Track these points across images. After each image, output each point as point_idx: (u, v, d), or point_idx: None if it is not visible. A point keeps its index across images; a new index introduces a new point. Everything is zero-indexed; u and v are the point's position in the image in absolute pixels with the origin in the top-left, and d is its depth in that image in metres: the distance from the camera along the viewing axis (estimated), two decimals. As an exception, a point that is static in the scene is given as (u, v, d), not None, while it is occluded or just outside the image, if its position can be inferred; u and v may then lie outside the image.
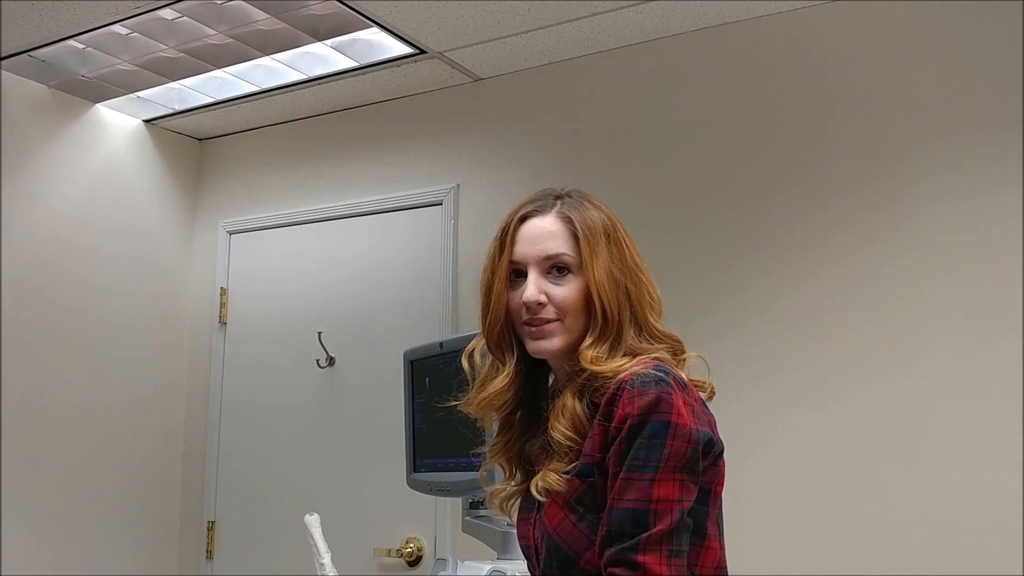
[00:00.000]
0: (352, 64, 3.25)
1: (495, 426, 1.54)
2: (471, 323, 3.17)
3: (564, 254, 1.43)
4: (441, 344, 2.27)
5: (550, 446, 1.43)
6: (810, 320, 2.66)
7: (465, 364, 1.57)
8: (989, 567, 2.31)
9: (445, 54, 3.15)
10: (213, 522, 3.72)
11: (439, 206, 3.38)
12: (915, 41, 2.62)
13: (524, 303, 1.42)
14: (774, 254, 2.74)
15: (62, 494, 3.41)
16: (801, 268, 2.70)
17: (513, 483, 1.52)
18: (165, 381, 3.82)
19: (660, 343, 1.42)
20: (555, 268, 1.43)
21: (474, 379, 1.54)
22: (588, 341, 1.40)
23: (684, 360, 1.44)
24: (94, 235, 3.59)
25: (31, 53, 3.17)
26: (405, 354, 2.39)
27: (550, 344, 1.42)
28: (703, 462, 1.31)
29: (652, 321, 1.44)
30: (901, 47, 2.64)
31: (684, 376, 1.37)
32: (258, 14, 2.88)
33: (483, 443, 1.97)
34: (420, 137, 3.48)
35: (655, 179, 2.96)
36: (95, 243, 3.59)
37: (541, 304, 1.41)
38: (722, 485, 1.38)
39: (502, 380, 1.47)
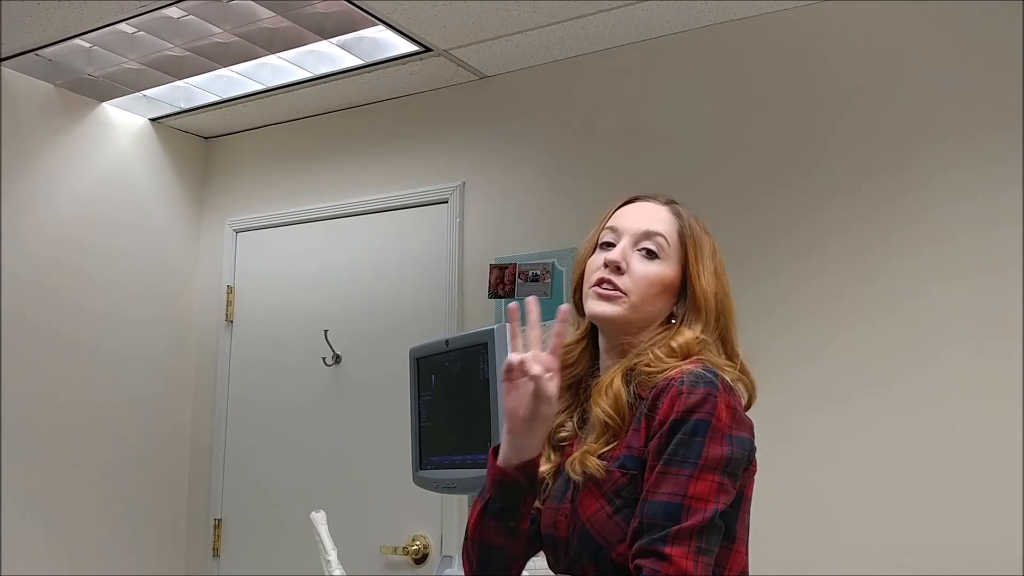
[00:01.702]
0: (358, 62, 3.25)
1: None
2: (477, 320, 3.18)
3: (661, 235, 1.45)
4: (447, 342, 2.27)
5: (582, 428, 1.44)
6: (817, 321, 2.65)
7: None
8: (1001, 565, 2.30)
9: (451, 52, 3.15)
10: (220, 520, 3.73)
11: (445, 204, 3.38)
12: (923, 41, 2.61)
13: (606, 261, 1.44)
14: (781, 254, 2.73)
15: (69, 492, 3.42)
16: (808, 269, 2.68)
17: (544, 463, 1.51)
18: (172, 379, 3.83)
19: (728, 361, 1.45)
20: (646, 249, 1.45)
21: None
22: (696, 330, 1.42)
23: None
24: (100, 234, 3.60)
25: (37, 52, 3.17)
26: (411, 352, 2.40)
27: (610, 308, 1.43)
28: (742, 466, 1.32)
29: (735, 343, 1.48)
30: (909, 47, 2.63)
31: (729, 379, 1.37)
32: (264, 12, 2.88)
33: (490, 441, 1.98)
34: (426, 135, 3.48)
35: (661, 178, 2.95)
36: (101, 242, 3.60)
37: (620, 269, 1.43)
38: (752, 488, 1.39)
39: (578, 335, 1.52)
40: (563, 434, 1.50)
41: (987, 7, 2.52)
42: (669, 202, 1.52)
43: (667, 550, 1.23)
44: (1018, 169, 2.43)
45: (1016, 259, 2.40)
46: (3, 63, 3.27)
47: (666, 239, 1.45)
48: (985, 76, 2.51)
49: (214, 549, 3.71)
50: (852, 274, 2.62)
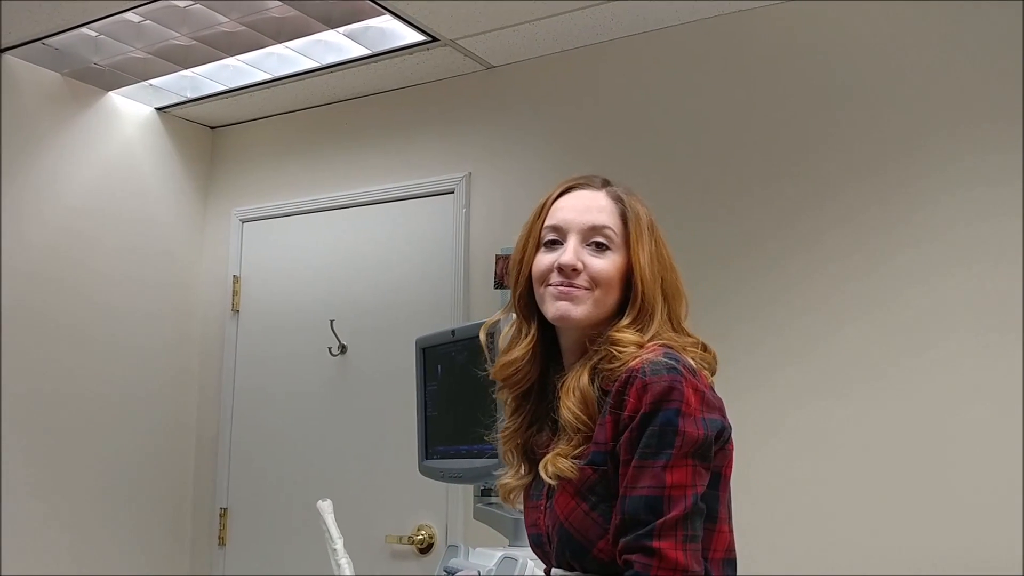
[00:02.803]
0: (364, 52, 3.25)
1: (507, 411, 1.54)
2: (483, 311, 3.18)
3: (609, 228, 1.42)
4: (453, 332, 2.27)
5: (556, 430, 1.43)
6: (818, 313, 2.64)
7: (482, 337, 1.60)
8: (998, 558, 2.30)
9: (457, 42, 3.14)
10: (225, 509, 3.73)
11: (451, 194, 3.38)
12: (923, 32, 2.60)
13: (559, 266, 1.41)
14: (782, 246, 2.73)
15: (75, 483, 3.42)
16: (808, 261, 2.68)
17: (519, 475, 1.51)
18: (178, 369, 3.84)
19: (688, 338, 1.42)
20: (595, 242, 1.42)
21: (491, 352, 1.56)
22: (626, 320, 1.39)
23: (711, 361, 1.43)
24: (106, 223, 3.60)
25: (44, 41, 3.17)
26: (417, 342, 2.40)
27: (575, 310, 1.41)
28: (714, 447, 1.31)
29: (682, 319, 1.45)
30: (909, 38, 2.62)
31: (692, 362, 1.36)
32: (271, 2, 2.88)
33: (496, 431, 1.98)
34: (432, 125, 3.47)
35: (665, 169, 2.95)
36: (107, 232, 3.60)
37: (576, 271, 1.40)
38: (731, 468, 1.38)
39: (524, 347, 1.48)
40: (535, 441, 1.49)
41: (994, -2, 2.51)
42: (604, 184, 1.49)
43: (655, 544, 1.23)
44: (1018, 159, 2.41)
45: (1016, 249, 2.39)
46: (10, 52, 3.27)
47: (613, 230, 1.42)
48: (986, 68, 2.49)
49: (220, 539, 3.72)
50: (852, 266, 2.61)
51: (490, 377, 1.55)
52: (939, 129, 2.54)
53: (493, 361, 1.55)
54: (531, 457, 1.50)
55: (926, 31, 2.60)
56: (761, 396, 2.66)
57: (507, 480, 1.52)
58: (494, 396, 1.59)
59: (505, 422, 1.54)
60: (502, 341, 1.54)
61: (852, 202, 2.64)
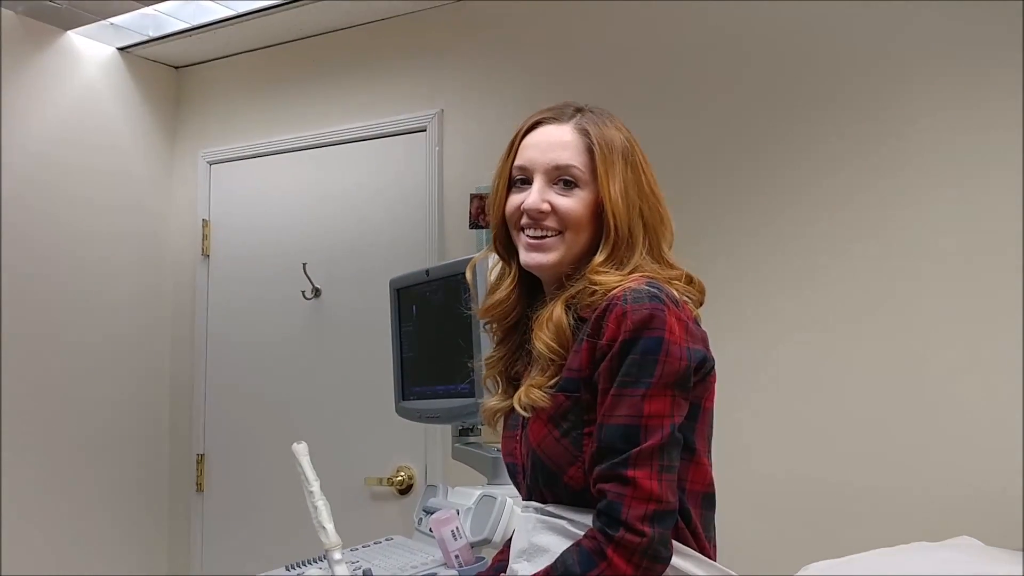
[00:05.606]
0: (331, -15, 3.16)
1: (494, 340, 1.54)
2: (457, 250, 3.14)
3: (574, 167, 1.39)
4: (427, 272, 2.24)
5: (531, 359, 1.42)
6: (804, 243, 2.61)
7: (468, 275, 1.61)
8: (989, 491, 2.29)
9: (426, -26, 3.06)
10: (202, 455, 3.71)
11: (423, 132, 3.31)
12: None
13: (524, 210, 1.40)
14: (765, 176, 2.69)
15: (51, 434, 3.38)
16: (791, 187, 2.64)
17: (503, 397, 1.51)
18: (149, 315, 3.78)
19: (672, 270, 1.40)
20: (562, 180, 1.40)
21: (476, 290, 1.57)
22: (600, 258, 1.37)
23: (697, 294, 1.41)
24: (69, 170, 3.51)
25: (-3, -23, 3.07)
26: (391, 283, 2.37)
27: (546, 258, 1.40)
28: (694, 378, 1.30)
29: (665, 250, 1.42)
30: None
31: (676, 293, 1.34)
32: (231, -67, 2.78)
33: (471, 371, 1.96)
34: (402, 61, 3.39)
35: (646, 100, 2.89)
36: (71, 178, 3.51)
37: (543, 213, 1.39)
38: (712, 401, 1.37)
39: (506, 288, 1.48)
40: (516, 369, 1.50)
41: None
42: (574, 114, 1.43)
43: (629, 473, 1.23)
44: (1009, 78, 2.36)
45: (1008, 172, 2.35)
46: (-39, -10, 3.16)
47: (578, 167, 1.39)
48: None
49: (197, 484, 3.71)
50: (837, 193, 2.56)
51: (478, 317, 1.55)
52: (923, 46, 2.48)
53: (479, 299, 1.55)
54: (515, 383, 1.49)
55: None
56: (750, 327, 2.64)
57: (492, 403, 1.52)
58: (478, 331, 1.59)
59: (491, 350, 1.54)
60: (490, 276, 1.54)
61: (834, 126, 2.58)
